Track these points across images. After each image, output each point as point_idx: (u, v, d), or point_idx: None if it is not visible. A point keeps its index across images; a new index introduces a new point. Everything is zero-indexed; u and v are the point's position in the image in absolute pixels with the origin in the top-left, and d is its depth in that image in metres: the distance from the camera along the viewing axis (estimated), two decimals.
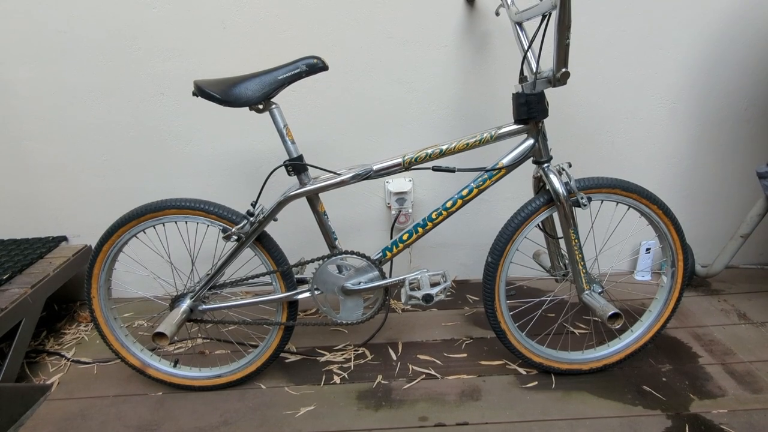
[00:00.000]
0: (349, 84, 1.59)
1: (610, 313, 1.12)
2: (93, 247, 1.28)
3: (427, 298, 1.16)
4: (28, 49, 1.53)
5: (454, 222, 1.80)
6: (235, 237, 1.21)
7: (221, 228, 1.24)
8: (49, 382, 1.44)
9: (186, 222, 1.26)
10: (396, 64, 1.57)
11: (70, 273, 1.64)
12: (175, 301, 1.27)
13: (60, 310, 1.81)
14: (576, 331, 1.55)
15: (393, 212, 1.69)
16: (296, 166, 1.20)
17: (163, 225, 1.27)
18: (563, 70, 1.07)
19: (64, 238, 1.78)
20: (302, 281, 1.36)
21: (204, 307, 1.28)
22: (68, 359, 1.54)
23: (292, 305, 1.32)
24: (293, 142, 1.20)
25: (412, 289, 1.20)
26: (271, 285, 1.32)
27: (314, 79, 1.57)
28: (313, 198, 1.24)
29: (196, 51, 1.54)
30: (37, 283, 1.48)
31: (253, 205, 1.22)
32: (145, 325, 1.71)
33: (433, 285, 1.18)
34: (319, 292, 1.28)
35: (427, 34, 1.54)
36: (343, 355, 1.50)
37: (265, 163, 1.68)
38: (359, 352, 1.51)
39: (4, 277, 1.48)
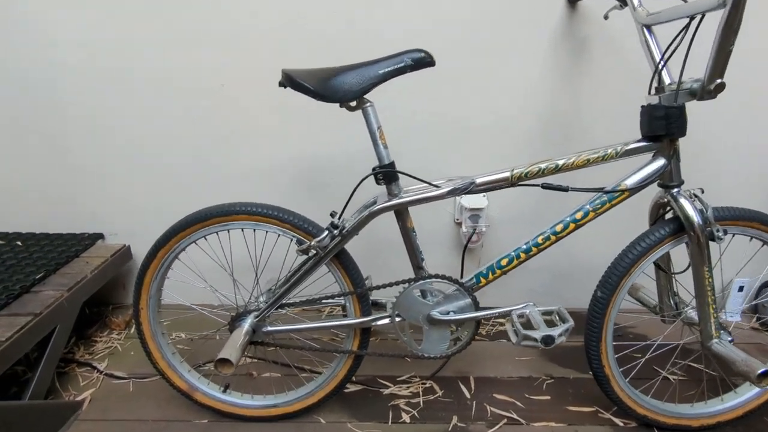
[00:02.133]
0: (430, 87, 1.43)
1: (760, 371, 0.94)
2: (146, 251, 1.12)
3: (548, 340, 0.97)
4: (80, 35, 1.39)
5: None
6: (313, 251, 1.05)
7: (296, 240, 1.08)
8: (80, 398, 1.28)
9: (254, 230, 1.10)
10: (482, 70, 1.41)
11: (107, 275, 1.49)
12: (236, 320, 1.11)
13: (91, 314, 1.66)
14: (672, 378, 1.37)
15: (465, 230, 1.52)
16: (387, 174, 1.04)
17: (228, 232, 1.11)
18: (718, 81, 0.91)
19: (100, 236, 1.62)
20: (375, 304, 1.19)
21: (268, 328, 1.12)
22: (101, 372, 1.38)
23: (366, 332, 1.16)
24: (386, 147, 1.04)
25: (524, 327, 1.02)
26: (338, 307, 1.17)
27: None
28: (402, 211, 1.08)
29: (262, 43, 1.39)
30: (74, 286, 1.33)
31: (333, 215, 1.06)
32: (183, 336, 1.55)
33: (550, 325, 1.00)
34: (400, 319, 1.11)
35: (519, 37, 1.38)
36: (408, 388, 1.33)
37: (333, 170, 1.53)
38: (427, 385, 1.34)
39: (38, 277, 1.33)
